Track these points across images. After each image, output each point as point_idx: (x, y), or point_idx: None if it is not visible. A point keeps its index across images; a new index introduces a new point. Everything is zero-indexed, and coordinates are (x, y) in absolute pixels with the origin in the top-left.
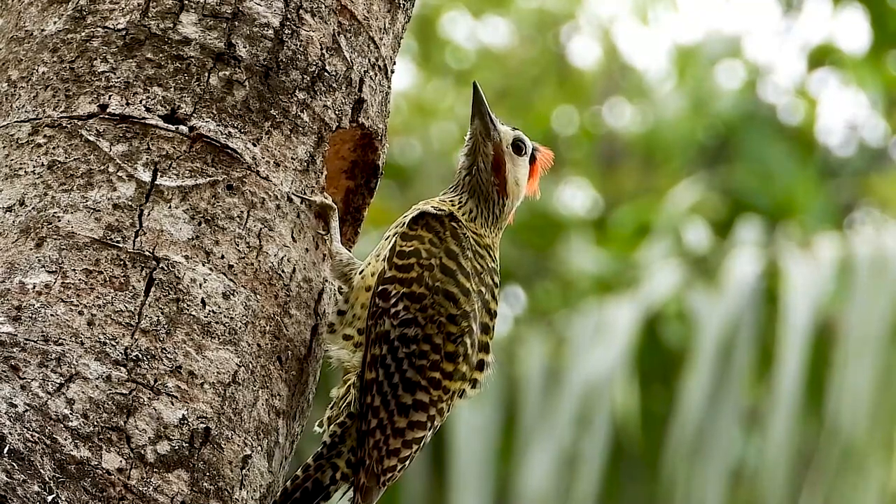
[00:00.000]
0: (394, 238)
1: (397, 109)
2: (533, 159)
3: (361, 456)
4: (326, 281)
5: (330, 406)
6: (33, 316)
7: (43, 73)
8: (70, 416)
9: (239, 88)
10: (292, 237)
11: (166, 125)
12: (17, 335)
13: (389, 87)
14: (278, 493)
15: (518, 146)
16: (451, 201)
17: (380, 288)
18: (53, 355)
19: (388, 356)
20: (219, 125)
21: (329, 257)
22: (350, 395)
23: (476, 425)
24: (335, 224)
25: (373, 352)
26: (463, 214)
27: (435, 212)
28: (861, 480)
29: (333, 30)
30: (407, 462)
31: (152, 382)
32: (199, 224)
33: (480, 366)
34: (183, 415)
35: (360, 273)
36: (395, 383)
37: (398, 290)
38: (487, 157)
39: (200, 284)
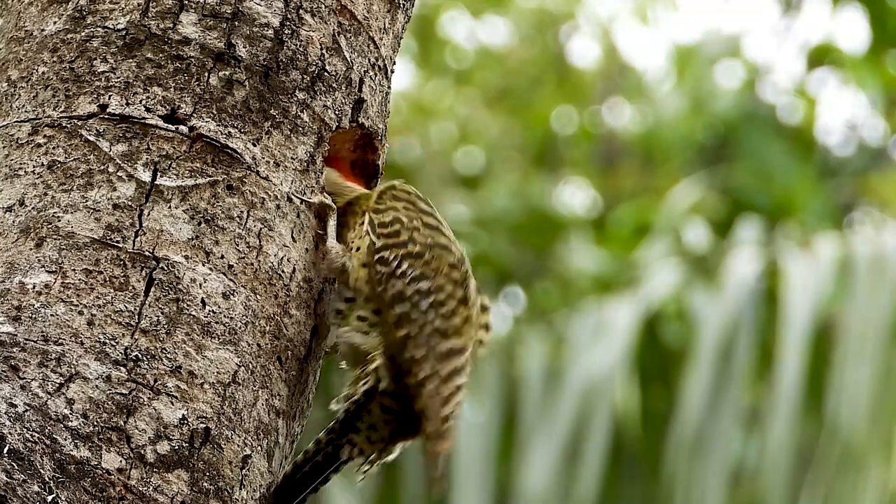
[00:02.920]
0: (365, 217)
1: (396, 109)
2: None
3: (421, 407)
4: (326, 281)
5: (347, 384)
6: (33, 316)
7: (43, 72)
8: (70, 416)
9: (239, 88)
10: (292, 237)
11: (166, 125)
12: (17, 335)
13: (389, 87)
14: (289, 468)
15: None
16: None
17: (376, 257)
18: (53, 355)
19: (413, 311)
20: (219, 125)
21: (323, 255)
22: (370, 371)
23: (476, 424)
24: (332, 223)
25: (394, 311)
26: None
27: (392, 183)
28: (861, 480)
29: (333, 30)
30: (458, 410)
31: (152, 382)
32: (199, 224)
33: (486, 326)
34: (183, 415)
35: (356, 251)
36: (428, 334)
37: (396, 253)
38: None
39: (200, 284)
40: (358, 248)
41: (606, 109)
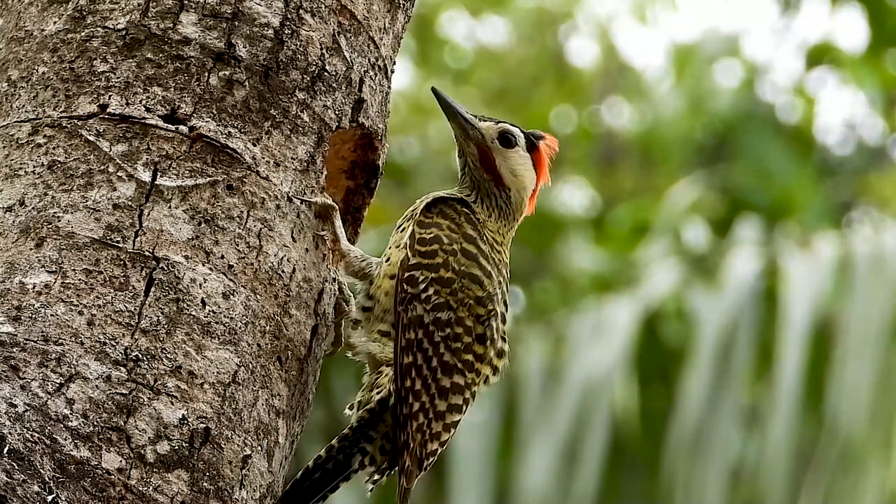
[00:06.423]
0: (410, 226)
1: (395, 108)
2: (533, 147)
3: (405, 440)
4: (326, 281)
5: (361, 389)
6: (33, 316)
7: (43, 73)
8: (70, 416)
9: (239, 88)
10: (292, 237)
11: (166, 125)
12: (17, 335)
13: (389, 87)
14: (299, 474)
15: (506, 139)
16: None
17: (406, 275)
18: (53, 355)
19: (425, 340)
20: (219, 125)
21: (341, 257)
22: (383, 381)
23: (475, 424)
24: (339, 223)
25: (407, 336)
26: (475, 205)
27: (447, 196)
28: (860, 479)
29: (333, 30)
30: (444, 446)
31: (152, 382)
32: (199, 224)
33: (500, 353)
34: (183, 415)
35: (386, 262)
36: (433, 367)
37: (426, 276)
38: (474, 156)
39: (200, 284)
40: (388, 259)
41: (605, 109)
